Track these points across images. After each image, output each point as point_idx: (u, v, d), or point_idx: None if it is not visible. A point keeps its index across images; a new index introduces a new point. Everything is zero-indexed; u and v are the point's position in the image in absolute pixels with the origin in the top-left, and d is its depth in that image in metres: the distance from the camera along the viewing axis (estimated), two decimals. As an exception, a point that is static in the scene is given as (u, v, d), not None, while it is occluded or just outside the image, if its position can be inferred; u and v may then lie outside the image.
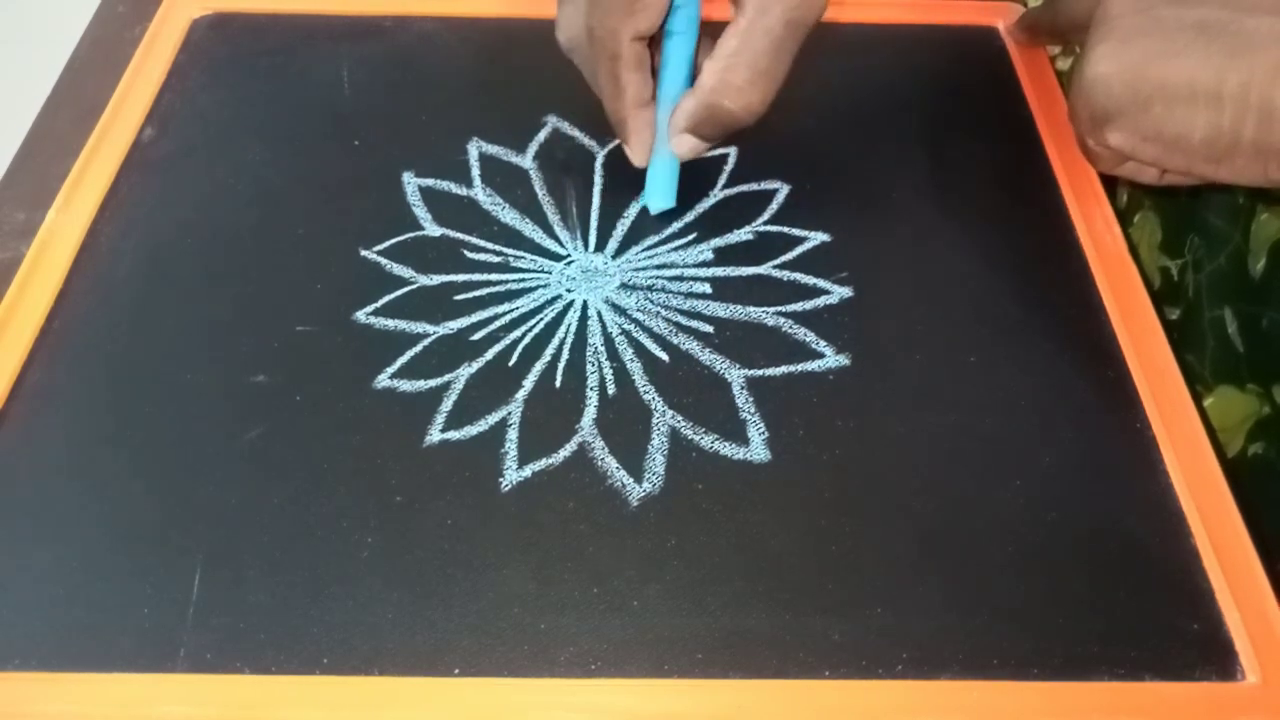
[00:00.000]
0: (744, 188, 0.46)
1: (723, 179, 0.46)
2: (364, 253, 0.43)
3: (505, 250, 0.43)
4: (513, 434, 0.37)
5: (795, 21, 0.39)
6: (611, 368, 0.39)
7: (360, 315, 0.40)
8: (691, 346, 0.40)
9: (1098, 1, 0.39)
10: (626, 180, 0.45)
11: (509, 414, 0.38)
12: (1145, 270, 0.43)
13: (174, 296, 0.41)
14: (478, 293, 0.41)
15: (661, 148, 0.43)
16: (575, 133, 0.48)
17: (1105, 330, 0.41)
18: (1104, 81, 0.38)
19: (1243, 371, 0.46)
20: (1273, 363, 0.45)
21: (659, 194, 0.44)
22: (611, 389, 0.38)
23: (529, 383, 0.38)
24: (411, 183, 0.45)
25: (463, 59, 0.51)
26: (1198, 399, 0.39)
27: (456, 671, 0.32)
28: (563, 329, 0.40)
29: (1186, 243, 0.48)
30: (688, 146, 0.42)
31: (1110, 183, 0.46)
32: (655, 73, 0.43)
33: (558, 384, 0.39)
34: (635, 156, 0.43)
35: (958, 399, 0.39)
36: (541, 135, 0.48)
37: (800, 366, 0.39)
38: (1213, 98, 0.35)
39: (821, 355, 0.40)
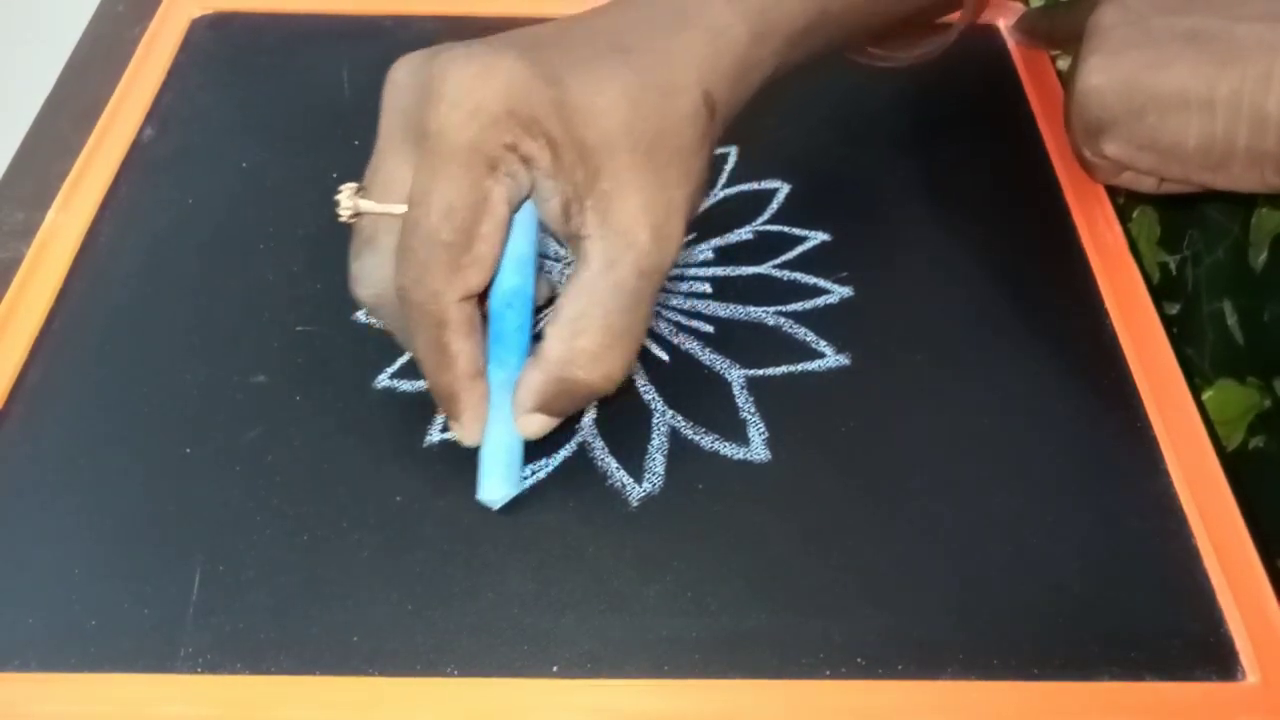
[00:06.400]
0: (744, 187, 0.46)
1: (723, 179, 0.46)
2: (364, 253, 0.43)
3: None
4: (513, 434, 0.37)
5: (650, 270, 0.32)
6: (611, 368, 0.39)
7: (360, 315, 0.40)
8: (692, 346, 0.40)
9: (1091, 11, 0.39)
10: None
11: (509, 414, 0.38)
12: (1144, 266, 0.43)
13: (174, 296, 0.41)
14: (478, 293, 0.41)
15: (497, 423, 0.34)
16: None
17: (1106, 330, 0.41)
18: (1097, 93, 0.38)
19: (1243, 364, 0.46)
20: (1273, 355, 0.44)
21: (499, 478, 0.34)
22: (611, 389, 0.38)
23: (529, 383, 0.38)
24: (411, 183, 0.45)
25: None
26: (1198, 393, 0.39)
27: (456, 671, 0.32)
28: (563, 329, 0.40)
29: (1185, 238, 0.48)
30: (537, 426, 0.34)
31: (1110, 183, 0.46)
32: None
33: (558, 384, 0.38)
34: (468, 435, 0.35)
35: (958, 399, 0.38)
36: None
37: (800, 366, 0.39)
38: (1205, 106, 0.35)
39: (822, 355, 0.40)
